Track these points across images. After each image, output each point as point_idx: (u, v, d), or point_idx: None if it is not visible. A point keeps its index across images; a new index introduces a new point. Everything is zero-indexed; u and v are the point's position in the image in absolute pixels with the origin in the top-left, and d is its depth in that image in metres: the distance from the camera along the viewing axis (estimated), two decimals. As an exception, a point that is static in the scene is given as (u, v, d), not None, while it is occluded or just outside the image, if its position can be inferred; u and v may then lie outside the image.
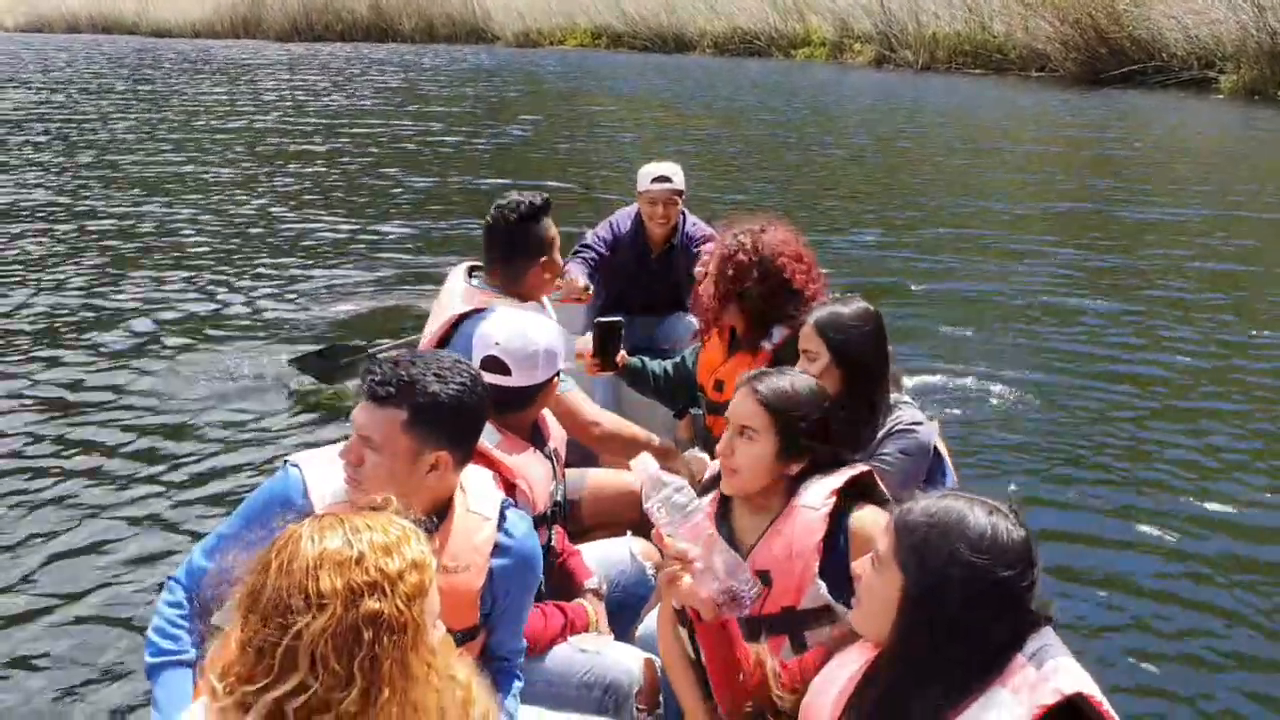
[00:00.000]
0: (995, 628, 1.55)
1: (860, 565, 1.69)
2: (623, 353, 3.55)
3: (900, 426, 2.75)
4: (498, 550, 2.19)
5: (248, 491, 2.61)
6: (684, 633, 2.09)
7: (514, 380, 2.61)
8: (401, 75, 27.66)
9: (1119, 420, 5.65)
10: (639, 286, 4.86)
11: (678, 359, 3.63)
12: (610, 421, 3.24)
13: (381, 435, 2.04)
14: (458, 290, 3.28)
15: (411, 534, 1.50)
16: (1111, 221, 10.81)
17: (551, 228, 3.37)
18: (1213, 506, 4.68)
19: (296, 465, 2.19)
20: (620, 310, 4.67)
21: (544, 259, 3.35)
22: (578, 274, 4.65)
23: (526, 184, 12.09)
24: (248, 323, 7.18)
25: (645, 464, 1.94)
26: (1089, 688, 1.52)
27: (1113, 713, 1.52)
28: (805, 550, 2.15)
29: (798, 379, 2.29)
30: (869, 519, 2.15)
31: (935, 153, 15.31)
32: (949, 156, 14.95)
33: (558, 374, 2.73)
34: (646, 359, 3.65)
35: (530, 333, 2.67)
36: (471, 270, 3.40)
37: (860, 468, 2.27)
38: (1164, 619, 3.89)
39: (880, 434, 2.75)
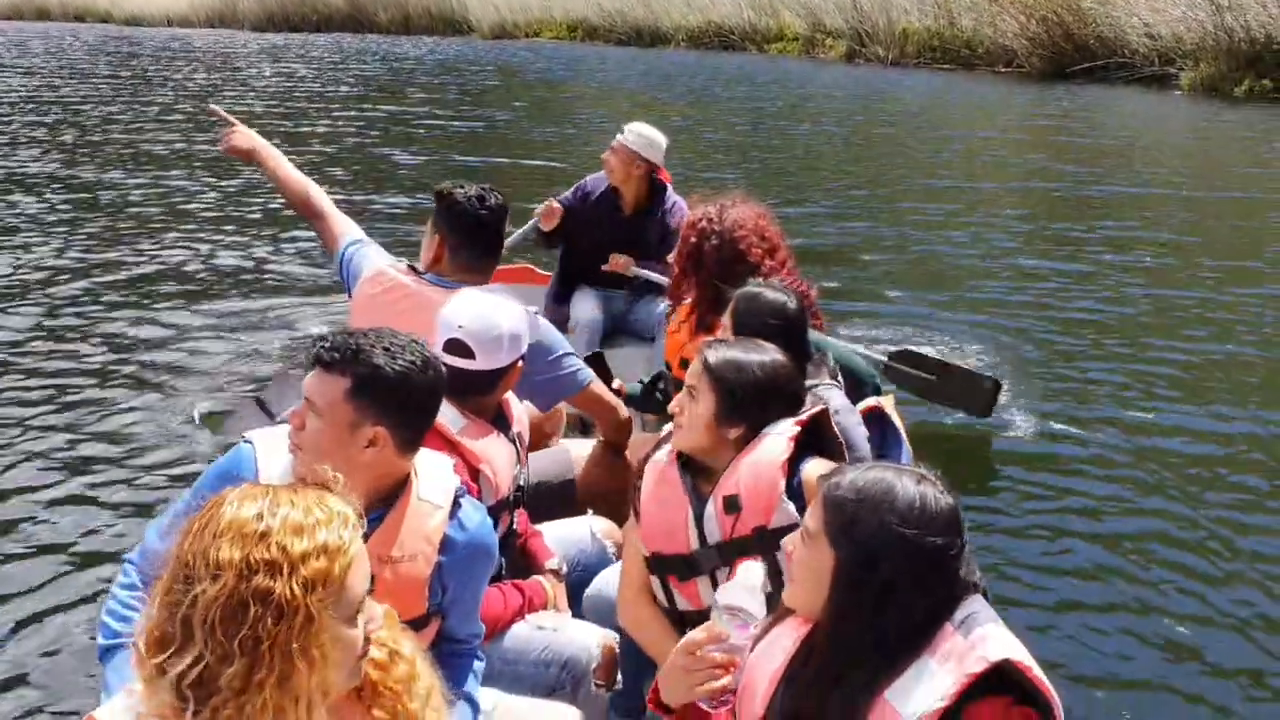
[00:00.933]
0: (926, 597, 1.56)
1: (790, 541, 1.70)
2: (619, 382, 3.58)
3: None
4: (448, 542, 2.13)
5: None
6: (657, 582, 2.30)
7: (477, 364, 2.57)
8: (380, 64, 27.79)
9: (1071, 377, 6.02)
10: (607, 241, 4.89)
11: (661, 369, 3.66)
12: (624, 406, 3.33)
13: (324, 402, 2.01)
14: (430, 292, 3.12)
15: (337, 518, 1.41)
16: (1063, 198, 11.35)
17: None
18: (1154, 467, 4.88)
19: (250, 441, 2.16)
20: (590, 264, 4.88)
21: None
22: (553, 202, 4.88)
23: (504, 164, 12.43)
24: (214, 303, 7.02)
25: (755, 572, 1.82)
26: (1017, 653, 1.53)
27: (1042, 676, 1.53)
28: (771, 469, 2.23)
29: (756, 350, 2.36)
30: (819, 472, 2.17)
31: (900, 138, 15.70)
32: (913, 142, 15.36)
33: (521, 358, 2.68)
34: (641, 382, 3.65)
35: (494, 316, 2.63)
36: (413, 269, 3.26)
37: (818, 407, 2.37)
38: (1096, 582, 3.97)
39: None
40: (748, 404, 2.29)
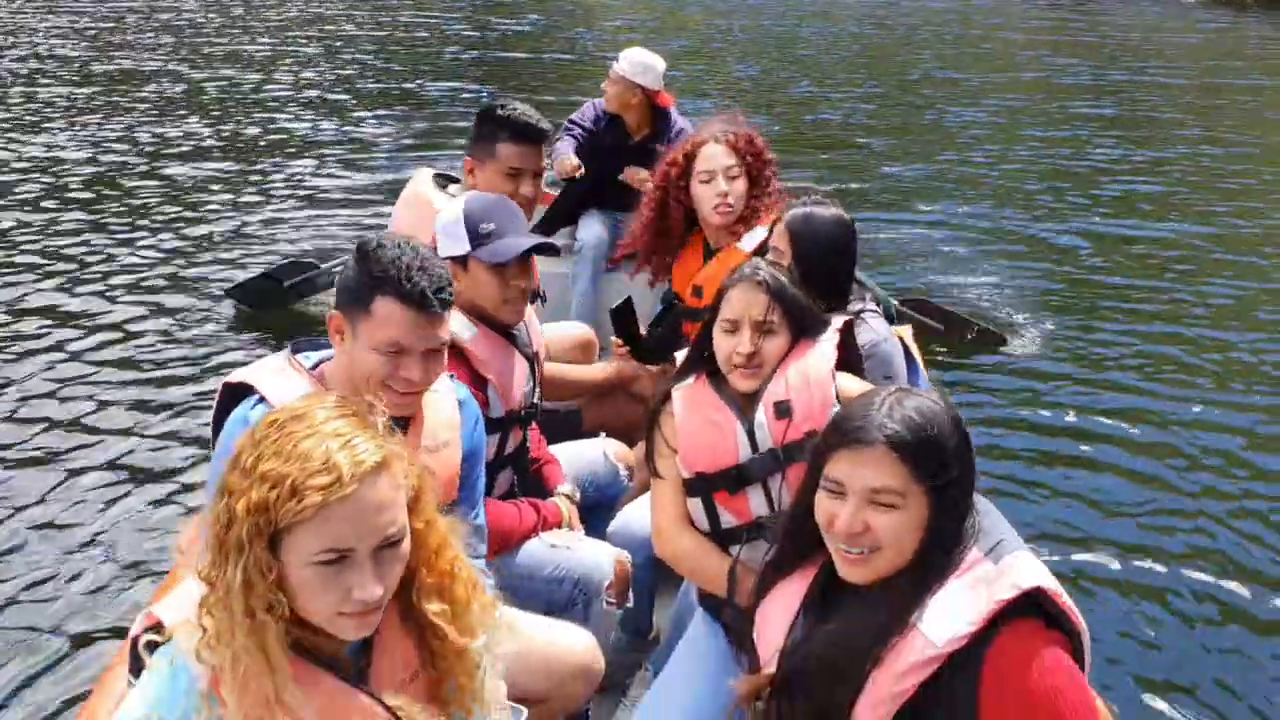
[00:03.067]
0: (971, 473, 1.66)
1: (857, 519, 1.62)
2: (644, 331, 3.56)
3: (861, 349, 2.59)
4: (461, 405, 2.21)
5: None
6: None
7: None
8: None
9: (1083, 307, 6.26)
10: (616, 168, 4.88)
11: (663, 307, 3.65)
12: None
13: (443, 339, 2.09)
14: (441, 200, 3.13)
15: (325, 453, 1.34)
16: (1070, 91, 12.35)
17: None
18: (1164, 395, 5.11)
19: (259, 398, 2.01)
20: (599, 194, 4.89)
21: None
22: (567, 151, 4.82)
23: (527, 62, 12.85)
24: (214, 236, 6.80)
25: None
26: (1047, 581, 1.54)
27: (1071, 605, 1.55)
28: (823, 375, 2.22)
29: (777, 268, 2.32)
30: (851, 384, 2.23)
31: (924, 40, 16.40)
32: (938, 43, 16.05)
33: (463, 260, 2.56)
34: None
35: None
36: (441, 179, 3.33)
37: (846, 317, 2.39)
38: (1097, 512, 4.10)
39: None
40: (810, 313, 2.29)
